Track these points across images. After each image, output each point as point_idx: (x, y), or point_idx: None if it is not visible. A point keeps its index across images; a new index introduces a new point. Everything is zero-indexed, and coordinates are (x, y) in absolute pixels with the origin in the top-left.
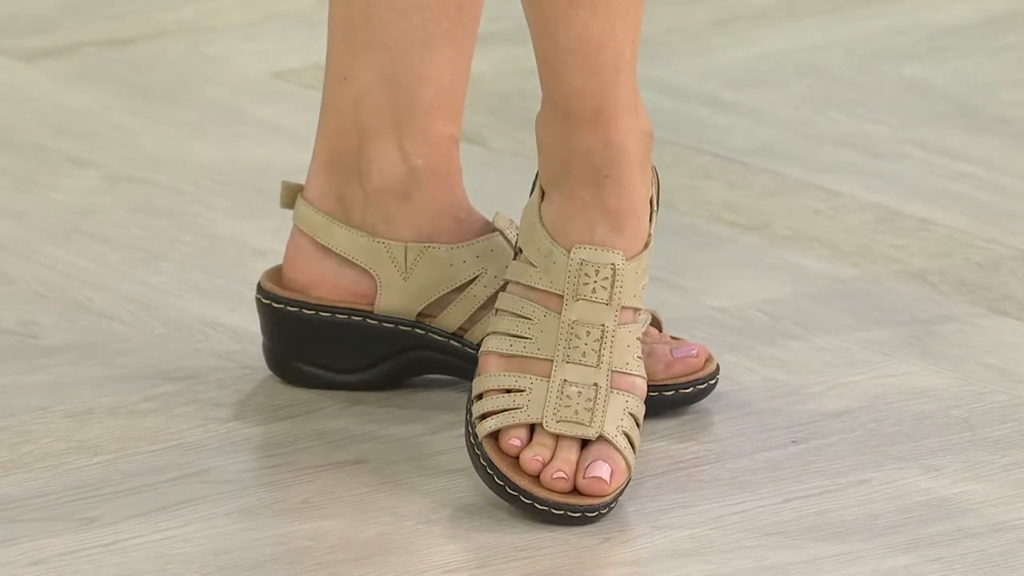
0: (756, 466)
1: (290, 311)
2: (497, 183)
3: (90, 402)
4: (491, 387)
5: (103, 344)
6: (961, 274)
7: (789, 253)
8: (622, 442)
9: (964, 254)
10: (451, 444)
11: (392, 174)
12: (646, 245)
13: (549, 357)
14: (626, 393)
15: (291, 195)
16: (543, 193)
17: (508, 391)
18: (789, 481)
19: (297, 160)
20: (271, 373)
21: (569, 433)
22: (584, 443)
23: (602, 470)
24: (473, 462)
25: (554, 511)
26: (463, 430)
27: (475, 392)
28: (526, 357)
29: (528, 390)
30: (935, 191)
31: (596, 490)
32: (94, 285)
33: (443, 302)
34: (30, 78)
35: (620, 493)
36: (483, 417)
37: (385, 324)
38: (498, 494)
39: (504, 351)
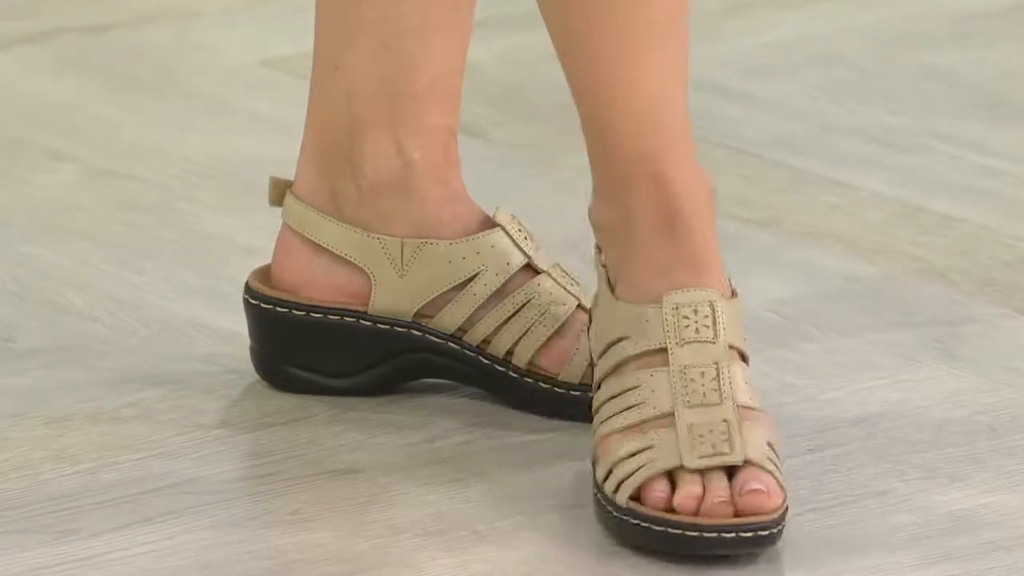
0: None
1: (279, 312)
2: (497, 177)
3: (69, 408)
4: (615, 459)
5: (83, 347)
6: (986, 273)
7: (805, 251)
8: (771, 465)
9: (989, 252)
10: (449, 453)
11: (387, 167)
12: (733, 294)
13: (668, 411)
14: (758, 421)
15: (280, 191)
16: (611, 286)
17: (634, 455)
18: (806, 491)
19: (286, 153)
20: (259, 377)
21: (714, 464)
22: (731, 474)
23: (759, 484)
24: (622, 537)
25: (724, 535)
26: (462, 438)
27: (600, 473)
28: (643, 421)
29: (655, 445)
30: (958, 186)
31: (758, 504)
32: (73, 285)
33: (441, 301)
34: (5, 67)
35: (785, 514)
36: (617, 489)
37: (380, 325)
38: (659, 544)
39: (618, 426)
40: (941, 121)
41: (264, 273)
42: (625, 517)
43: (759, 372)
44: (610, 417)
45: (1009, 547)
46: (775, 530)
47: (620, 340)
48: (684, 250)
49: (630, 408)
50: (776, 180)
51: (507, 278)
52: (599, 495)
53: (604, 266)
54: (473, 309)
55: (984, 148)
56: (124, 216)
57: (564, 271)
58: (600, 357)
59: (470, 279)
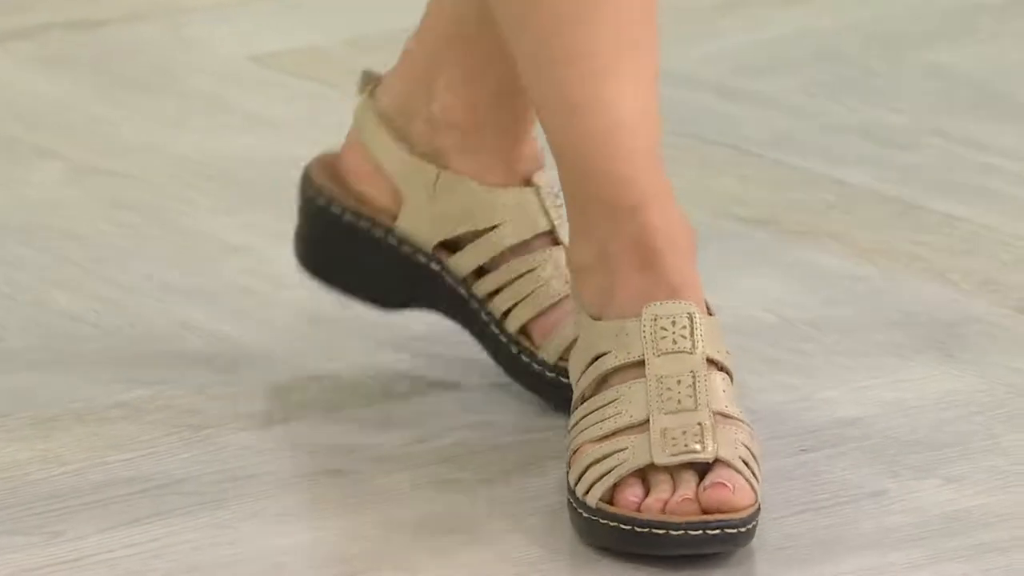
0: (764, 476)
1: (318, 204)
2: None
3: (56, 408)
4: (587, 463)
5: (70, 347)
6: (986, 273)
7: (802, 250)
8: (741, 465)
9: (990, 251)
10: (441, 454)
11: (454, 110)
12: (710, 315)
13: (643, 419)
14: (736, 427)
15: (368, 84)
16: (593, 317)
17: (606, 458)
18: (799, 492)
19: (278, 150)
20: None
21: (683, 460)
22: (702, 477)
23: (724, 480)
24: (593, 539)
25: (691, 532)
26: (455, 438)
27: (572, 478)
28: (618, 429)
29: (628, 448)
30: (959, 184)
31: (722, 499)
32: (61, 284)
33: (461, 241)
34: None
35: (756, 513)
36: (589, 491)
37: (403, 247)
38: (627, 544)
39: (595, 436)
40: (941, 119)
41: (326, 160)
42: (594, 518)
43: (754, 373)
44: (586, 428)
45: (1005, 548)
46: (743, 529)
47: (601, 355)
48: (664, 280)
49: (606, 419)
50: (773, 178)
51: (525, 239)
52: (571, 498)
53: (582, 303)
54: (488, 258)
55: (985, 146)
56: (113, 215)
57: None
58: (581, 375)
59: (491, 228)
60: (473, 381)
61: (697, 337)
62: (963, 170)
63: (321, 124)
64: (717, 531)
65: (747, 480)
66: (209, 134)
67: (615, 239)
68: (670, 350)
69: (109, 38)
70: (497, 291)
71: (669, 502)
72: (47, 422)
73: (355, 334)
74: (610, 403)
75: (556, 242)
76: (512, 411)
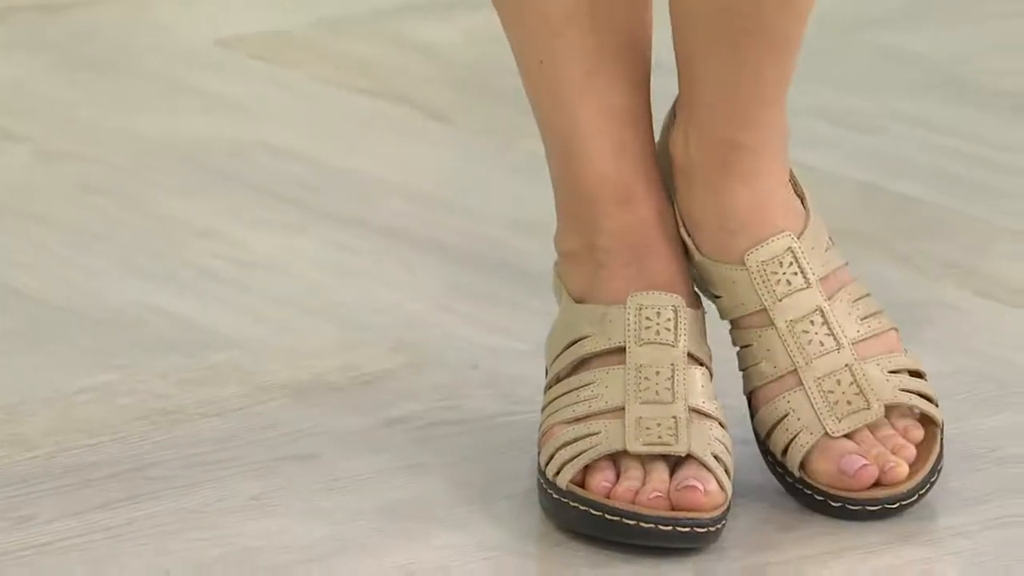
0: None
1: None
2: (464, 163)
3: (24, 393)
4: (559, 444)
5: (37, 331)
6: (947, 255)
7: None
8: (713, 463)
9: (950, 234)
10: (408, 438)
11: None
12: (699, 307)
13: (618, 405)
14: (711, 423)
15: None
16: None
17: (578, 440)
18: (766, 479)
19: (242, 134)
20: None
21: (656, 451)
22: (673, 471)
23: (696, 482)
24: (560, 521)
25: (661, 527)
26: (421, 423)
27: (543, 458)
28: (592, 413)
29: (602, 431)
30: (920, 167)
31: (693, 501)
32: (27, 268)
33: None
34: None
35: (726, 513)
36: (559, 472)
37: None
38: (596, 530)
39: (567, 417)
40: (901, 102)
41: None
42: (564, 500)
43: (718, 359)
44: (559, 409)
45: (971, 532)
46: (712, 528)
47: (581, 338)
48: (650, 275)
49: (581, 402)
50: None
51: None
52: (541, 479)
53: (565, 285)
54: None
55: (945, 129)
56: (79, 198)
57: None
58: (558, 356)
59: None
60: (441, 364)
61: (680, 331)
62: (924, 153)
63: (287, 107)
64: (687, 529)
65: (718, 478)
66: (175, 117)
67: (603, 233)
68: (652, 340)
69: (75, 21)
70: None
71: (639, 495)
72: (15, 406)
73: (322, 318)
74: (586, 386)
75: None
76: (480, 394)
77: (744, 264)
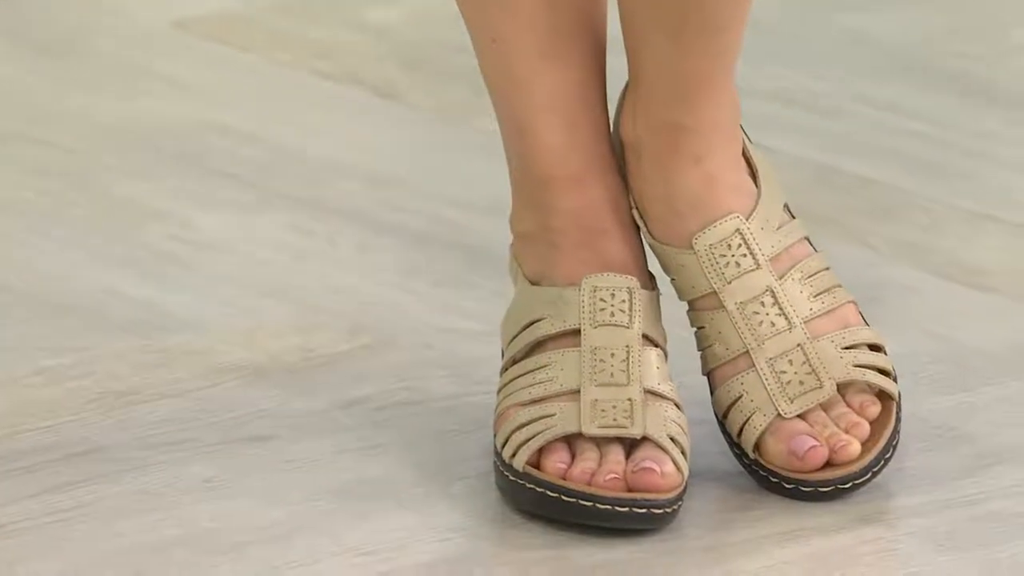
0: (691, 443)
1: None
2: (418, 143)
3: None
4: (515, 426)
5: None
6: (905, 236)
7: None
8: (669, 444)
9: (908, 215)
10: (364, 419)
11: None
12: (654, 288)
13: (574, 387)
14: (666, 404)
15: None
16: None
17: (534, 422)
18: (722, 459)
19: (199, 116)
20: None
21: (611, 434)
22: (629, 452)
23: (653, 464)
24: (517, 502)
25: (618, 508)
26: (378, 404)
27: (499, 441)
28: (547, 395)
29: (558, 413)
30: (878, 148)
31: (649, 482)
32: None
33: None
34: None
35: (682, 494)
36: (515, 453)
37: None
38: (553, 511)
39: (523, 400)
40: (861, 84)
41: None
42: (521, 481)
43: (674, 337)
44: (515, 392)
45: (926, 512)
46: (669, 509)
47: (537, 321)
48: (605, 256)
49: (536, 384)
50: None
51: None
52: (497, 460)
53: (520, 266)
54: None
55: (904, 111)
56: (33, 182)
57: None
58: (514, 338)
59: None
60: (397, 346)
61: (635, 312)
62: (882, 134)
63: (241, 89)
64: (643, 510)
65: (674, 459)
66: (130, 100)
67: (557, 214)
68: (607, 322)
69: (28, 3)
70: None
71: (596, 476)
72: None
73: (277, 299)
74: (541, 368)
75: None
76: (436, 376)
77: (692, 248)
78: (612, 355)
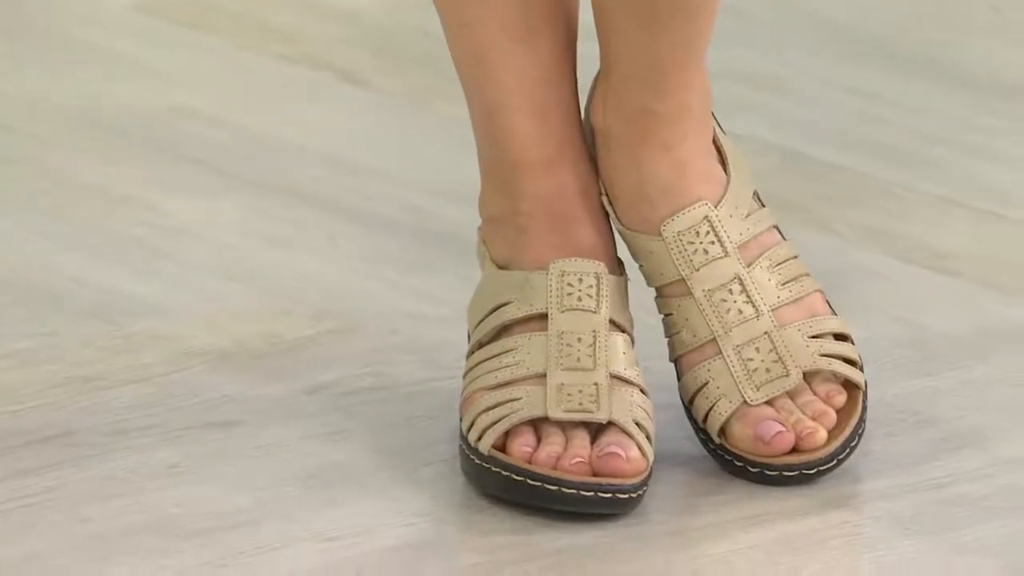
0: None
1: None
2: (385, 128)
3: None
4: (481, 409)
5: None
6: (870, 221)
7: None
8: (635, 429)
9: (874, 200)
10: (330, 405)
11: None
12: (622, 274)
13: (540, 371)
14: (632, 389)
15: None
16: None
17: (500, 405)
18: (689, 444)
19: (163, 100)
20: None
21: (577, 418)
22: (595, 437)
23: (618, 449)
24: (483, 486)
25: (583, 492)
26: (344, 389)
27: (465, 424)
28: (513, 379)
29: (524, 397)
30: (844, 133)
31: (614, 467)
32: None
33: None
34: None
35: (647, 479)
36: (481, 437)
37: None
38: (518, 495)
39: (489, 383)
40: (829, 70)
41: None
42: (487, 465)
43: (640, 322)
44: (481, 375)
45: (892, 495)
46: (634, 494)
47: (503, 305)
48: (574, 241)
49: (503, 368)
50: None
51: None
52: (463, 444)
53: (488, 250)
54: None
55: (873, 96)
56: None
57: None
58: (480, 322)
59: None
60: (363, 331)
61: (602, 297)
62: (850, 120)
63: (207, 73)
64: (609, 495)
65: (639, 444)
66: (94, 84)
67: (525, 198)
68: (574, 307)
69: None
70: None
71: (561, 461)
72: None
73: (244, 284)
74: (508, 352)
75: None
76: (402, 361)
77: (661, 235)
78: (579, 340)
